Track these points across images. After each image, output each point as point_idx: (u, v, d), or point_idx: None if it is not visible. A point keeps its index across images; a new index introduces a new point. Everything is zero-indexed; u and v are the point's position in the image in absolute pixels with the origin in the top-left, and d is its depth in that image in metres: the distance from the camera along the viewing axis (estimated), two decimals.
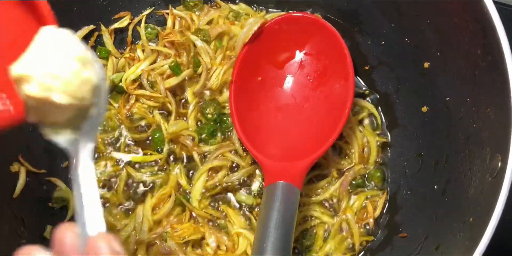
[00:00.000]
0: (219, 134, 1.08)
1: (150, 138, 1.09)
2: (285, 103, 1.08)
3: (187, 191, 1.05)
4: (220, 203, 1.05)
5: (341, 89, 1.04)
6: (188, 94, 1.09)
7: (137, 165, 1.07)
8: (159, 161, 1.06)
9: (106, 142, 1.09)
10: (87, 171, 0.59)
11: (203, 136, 1.07)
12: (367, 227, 1.04)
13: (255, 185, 1.06)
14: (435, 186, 0.96)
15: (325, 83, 1.06)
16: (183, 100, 1.10)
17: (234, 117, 1.04)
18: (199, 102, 1.09)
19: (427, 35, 0.97)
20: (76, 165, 0.59)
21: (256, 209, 1.04)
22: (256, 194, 1.05)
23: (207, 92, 1.10)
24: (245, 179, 1.06)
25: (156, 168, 1.07)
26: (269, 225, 0.88)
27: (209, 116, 1.07)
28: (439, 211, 0.93)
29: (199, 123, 1.09)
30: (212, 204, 1.05)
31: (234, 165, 1.07)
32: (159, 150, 1.07)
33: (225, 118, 1.08)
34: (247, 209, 1.05)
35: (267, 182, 0.96)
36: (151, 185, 1.06)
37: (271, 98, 1.08)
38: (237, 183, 1.05)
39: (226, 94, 1.09)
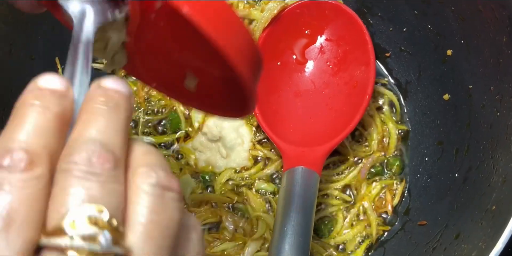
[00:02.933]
0: None
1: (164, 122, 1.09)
2: (304, 89, 1.07)
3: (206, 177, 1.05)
4: (240, 187, 1.05)
5: (362, 75, 1.03)
6: None
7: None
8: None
9: None
10: (87, 45, 0.53)
11: None
12: (385, 215, 1.04)
13: (271, 170, 1.06)
14: (456, 174, 0.95)
15: (346, 69, 1.06)
16: None
17: None
18: None
19: (450, 22, 0.96)
20: (78, 37, 0.54)
21: (276, 196, 1.04)
22: (272, 179, 1.05)
23: None
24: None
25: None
26: (290, 209, 0.88)
27: None
28: (459, 199, 0.92)
29: None
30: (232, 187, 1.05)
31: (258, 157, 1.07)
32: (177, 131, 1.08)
33: None
34: (268, 193, 1.04)
35: (286, 166, 0.96)
36: None
37: (291, 83, 1.08)
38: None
39: None
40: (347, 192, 1.05)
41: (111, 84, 0.46)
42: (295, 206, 0.88)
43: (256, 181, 1.04)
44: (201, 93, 0.64)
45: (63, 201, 0.40)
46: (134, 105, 1.06)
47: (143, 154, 0.46)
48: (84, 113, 0.44)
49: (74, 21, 0.54)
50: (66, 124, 0.45)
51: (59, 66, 1.05)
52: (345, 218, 1.03)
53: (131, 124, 1.09)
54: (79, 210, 0.40)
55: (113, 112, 0.44)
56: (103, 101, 0.44)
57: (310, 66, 1.08)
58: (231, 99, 0.63)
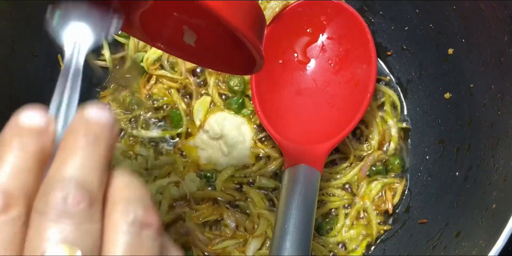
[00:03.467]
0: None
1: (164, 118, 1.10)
2: (306, 87, 1.07)
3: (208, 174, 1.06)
4: (241, 184, 1.05)
5: (363, 73, 1.03)
6: (206, 73, 1.10)
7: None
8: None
9: (125, 120, 1.09)
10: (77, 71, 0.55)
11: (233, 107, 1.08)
12: (386, 213, 1.04)
13: (272, 168, 1.06)
14: (457, 173, 0.95)
15: (347, 68, 1.06)
16: (203, 81, 1.10)
17: (255, 98, 1.03)
18: (217, 79, 1.10)
19: (452, 21, 0.97)
20: (69, 61, 0.55)
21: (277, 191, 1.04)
22: (273, 176, 1.05)
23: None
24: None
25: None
26: (291, 207, 0.88)
27: (236, 88, 1.07)
28: (460, 197, 0.92)
29: (223, 96, 1.10)
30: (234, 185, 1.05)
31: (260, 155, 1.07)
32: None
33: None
34: (270, 191, 1.05)
35: (287, 164, 0.96)
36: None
37: (292, 81, 1.08)
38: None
39: (246, 76, 1.08)
40: (348, 190, 1.06)
41: (94, 114, 0.46)
42: (296, 203, 0.89)
43: (258, 177, 1.05)
44: (202, 48, 0.65)
45: (37, 244, 0.40)
46: (133, 102, 1.07)
47: (123, 187, 0.45)
48: (62, 149, 0.44)
49: (66, 52, 0.55)
50: (44, 161, 0.44)
51: (61, 63, 1.05)
52: (345, 216, 1.04)
53: (131, 121, 1.09)
54: (53, 253, 0.40)
55: (91, 146, 0.44)
56: (83, 135, 0.44)
57: (311, 64, 1.08)
58: (239, 57, 0.65)
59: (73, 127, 0.45)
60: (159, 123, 1.09)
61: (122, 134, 1.09)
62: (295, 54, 1.08)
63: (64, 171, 0.42)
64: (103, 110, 0.46)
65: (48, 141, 0.45)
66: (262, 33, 0.60)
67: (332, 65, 1.07)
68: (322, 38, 1.08)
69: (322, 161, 0.97)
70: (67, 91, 0.52)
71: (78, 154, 0.43)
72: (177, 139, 1.08)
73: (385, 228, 1.03)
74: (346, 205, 1.04)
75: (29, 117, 0.46)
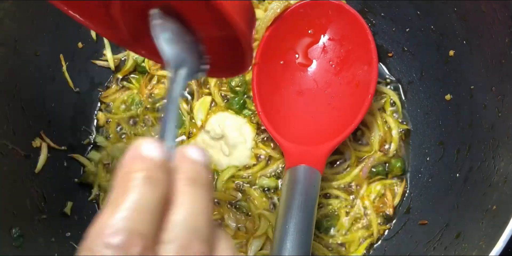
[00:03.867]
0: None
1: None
2: (307, 88, 1.08)
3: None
4: (242, 184, 1.06)
5: (364, 75, 1.04)
6: None
7: None
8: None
9: (126, 120, 1.10)
10: (177, 89, 0.58)
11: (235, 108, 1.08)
12: (386, 214, 1.04)
13: (273, 168, 1.06)
14: (457, 174, 0.96)
15: (348, 69, 1.06)
16: (204, 81, 1.11)
17: (256, 99, 1.04)
18: (219, 80, 1.10)
19: (453, 22, 0.97)
20: (172, 81, 0.58)
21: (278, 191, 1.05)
22: (275, 175, 1.06)
23: None
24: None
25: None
26: (292, 207, 0.88)
27: (237, 88, 1.08)
28: (460, 199, 0.92)
29: (224, 97, 1.10)
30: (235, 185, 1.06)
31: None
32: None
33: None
34: (272, 190, 1.05)
35: (288, 165, 0.97)
36: None
37: (293, 82, 1.08)
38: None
39: (248, 76, 1.09)
40: (348, 191, 1.06)
41: (197, 155, 0.50)
42: (297, 204, 0.89)
43: (258, 178, 1.05)
44: None
45: None
46: (138, 101, 1.08)
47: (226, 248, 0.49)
48: (179, 194, 0.47)
49: (171, 69, 0.58)
50: (166, 200, 0.47)
51: (63, 63, 1.05)
52: (346, 216, 1.04)
53: (132, 121, 1.10)
54: None
55: (203, 190, 0.48)
56: (200, 182, 0.48)
57: (313, 65, 1.09)
58: (225, 58, 0.65)
59: (182, 169, 0.49)
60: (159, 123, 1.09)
61: (123, 134, 1.09)
62: (297, 55, 1.09)
63: (188, 219, 0.46)
64: (202, 152, 0.50)
65: (170, 178, 0.48)
66: (253, 23, 0.61)
67: (333, 66, 1.08)
68: (323, 39, 1.08)
69: (323, 162, 0.97)
70: (172, 120, 0.54)
71: (196, 200, 0.48)
72: (178, 139, 1.08)
73: (385, 229, 1.03)
74: (346, 206, 1.04)
75: (150, 149, 0.48)
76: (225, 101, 1.09)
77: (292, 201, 0.89)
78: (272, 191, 1.05)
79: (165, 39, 0.60)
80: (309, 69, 1.09)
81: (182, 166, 0.49)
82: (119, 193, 0.46)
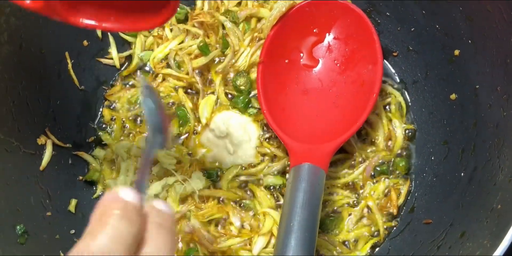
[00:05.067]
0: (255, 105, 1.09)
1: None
2: (312, 87, 1.08)
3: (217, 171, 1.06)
4: (247, 183, 1.06)
5: (369, 74, 1.04)
6: (212, 72, 1.10)
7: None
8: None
9: (131, 118, 1.10)
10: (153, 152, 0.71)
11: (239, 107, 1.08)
12: (391, 213, 1.04)
13: (278, 167, 1.06)
14: (462, 174, 0.96)
15: (353, 68, 1.06)
16: (209, 80, 1.11)
17: (261, 98, 1.04)
18: (224, 79, 1.10)
19: (458, 22, 0.97)
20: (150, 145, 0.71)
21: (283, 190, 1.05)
22: (281, 173, 1.06)
23: (231, 74, 1.10)
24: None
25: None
26: (296, 205, 0.88)
27: (242, 87, 1.08)
28: (465, 198, 0.92)
29: (229, 96, 1.10)
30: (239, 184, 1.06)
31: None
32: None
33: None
34: (277, 188, 1.05)
35: (293, 163, 0.97)
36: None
37: (298, 81, 1.08)
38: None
39: (253, 75, 1.09)
40: (352, 190, 1.06)
41: (164, 207, 0.61)
42: (301, 202, 0.89)
43: (263, 177, 1.05)
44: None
45: None
46: (139, 100, 1.08)
47: None
48: (149, 234, 0.57)
49: (151, 134, 0.71)
50: (138, 239, 0.56)
51: (69, 61, 1.05)
52: (350, 215, 1.04)
53: (137, 118, 1.10)
54: None
55: (168, 233, 0.58)
56: (166, 227, 0.59)
57: (317, 64, 1.09)
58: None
59: (154, 217, 0.59)
60: None
61: (126, 131, 1.10)
62: (301, 54, 1.09)
63: (155, 253, 0.56)
64: (168, 205, 0.62)
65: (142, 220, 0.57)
66: None
67: (338, 65, 1.08)
68: (329, 38, 1.09)
69: (328, 160, 0.97)
70: (145, 175, 0.65)
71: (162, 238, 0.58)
72: (183, 136, 1.08)
73: (390, 228, 1.03)
74: (350, 204, 1.04)
75: (128, 194, 0.57)
76: (230, 99, 1.09)
77: (296, 199, 0.89)
78: (278, 188, 1.05)
79: (151, 109, 0.72)
80: (314, 68, 1.09)
81: (152, 213, 0.59)
82: (97, 225, 0.54)
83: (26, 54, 0.97)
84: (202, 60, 1.07)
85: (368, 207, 1.04)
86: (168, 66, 1.11)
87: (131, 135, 1.09)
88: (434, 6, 1.01)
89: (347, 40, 1.08)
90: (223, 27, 1.09)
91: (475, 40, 0.95)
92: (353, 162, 1.07)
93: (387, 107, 1.10)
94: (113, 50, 1.12)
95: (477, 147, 0.95)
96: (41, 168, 0.99)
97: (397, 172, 1.06)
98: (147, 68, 1.13)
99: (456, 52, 0.99)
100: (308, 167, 0.94)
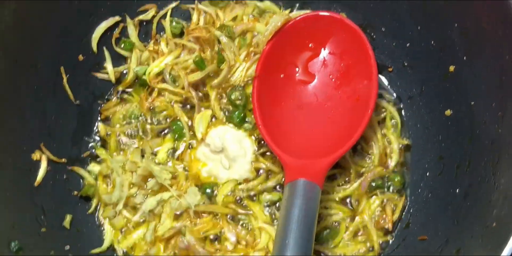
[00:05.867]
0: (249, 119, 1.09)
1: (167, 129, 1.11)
2: (307, 102, 1.08)
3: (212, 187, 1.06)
4: (243, 198, 1.06)
5: (364, 89, 1.04)
6: (208, 87, 1.10)
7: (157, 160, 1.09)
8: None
9: (126, 133, 1.10)
10: None
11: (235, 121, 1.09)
12: (386, 227, 1.04)
13: (273, 182, 1.06)
14: (457, 190, 0.96)
15: (348, 83, 1.06)
16: (204, 94, 1.11)
17: (256, 112, 1.04)
18: (219, 93, 1.10)
19: (453, 38, 0.98)
20: None
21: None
22: (278, 189, 1.06)
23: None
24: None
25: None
26: (291, 222, 0.88)
27: (237, 102, 1.08)
28: (460, 214, 0.93)
29: (226, 112, 1.10)
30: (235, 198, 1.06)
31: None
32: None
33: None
34: (273, 204, 1.05)
35: (288, 179, 0.97)
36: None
37: (293, 95, 1.08)
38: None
39: (248, 90, 1.09)
40: (347, 205, 1.06)
41: None
42: (297, 218, 0.88)
43: (260, 194, 1.05)
44: None
45: None
46: (137, 114, 1.08)
47: None
48: None
49: None
50: None
51: (64, 75, 1.05)
52: (345, 230, 1.04)
53: (133, 132, 1.10)
54: None
55: None
56: None
57: (313, 79, 1.09)
58: None
59: None
60: (161, 135, 1.10)
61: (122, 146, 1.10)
62: (297, 69, 1.09)
63: None
64: None
65: None
66: None
67: (333, 80, 1.08)
68: (324, 53, 1.09)
69: (323, 176, 0.97)
70: None
71: None
72: (178, 151, 1.08)
73: (385, 243, 1.03)
74: (346, 219, 1.04)
75: None
76: (226, 114, 1.09)
77: (291, 216, 0.89)
78: (274, 203, 1.05)
79: None
80: (309, 83, 1.09)
81: None
82: None
83: (22, 69, 0.97)
84: (198, 75, 1.08)
85: (363, 222, 1.04)
86: (164, 80, 1.11)
87: (126, 149, 1.09)
88: (429, 21, 1.02)
89: (342, 55, 1.08)
90: (219, 42, 1.10)
91: (470, 56, 0.96)
92: (347, 179, 1.07)
93: (382, 122, 1.11)
94: (108, 64, 1.12)
95: (473, 164, 0.95)
96: (35, 183, 0.99)
97: (393, 187, 1.06)
98: (142, 83, 1.12)
99: (451, 68, 1.00)
100: (304, 183, 0.94)
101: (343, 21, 1.06)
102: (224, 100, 1.10)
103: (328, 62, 1.09)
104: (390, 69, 1.12)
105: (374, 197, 1.06)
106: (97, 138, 1.11)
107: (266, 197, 1.05)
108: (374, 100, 1.02)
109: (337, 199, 1.06)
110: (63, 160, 1.05)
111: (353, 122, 1.02)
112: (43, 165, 1.00)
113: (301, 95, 1.08)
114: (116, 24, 1.12)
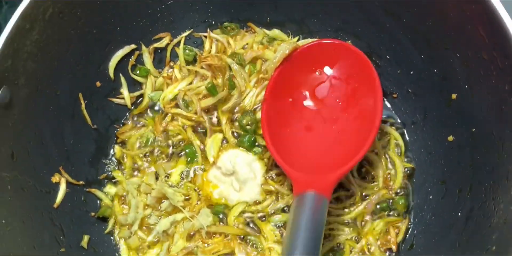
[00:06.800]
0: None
1: (182, 153, 1.14)
2: (314, 124, 1.11)
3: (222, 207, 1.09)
4: (253, 219, 1.09)
5: (370, 109, 1.06)
6: (219, 112, 1.14)
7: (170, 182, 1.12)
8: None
9: (141, 156, 1.14)
10: None
11: (245, 145, 1.12)
12: (390, 250, 1.07)
13: (283, 204, 1.09)
14: (459, 213, 0.98)
15: (354, 105, 1.09)
16: (214, 119, 1.15)
17: (266, 134, 1.07)
18: (230, 118, 1.14)
19: (455, 67, 1.00)
20: None
21: None
22: (286, 210, 1.09)
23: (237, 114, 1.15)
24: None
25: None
26: (299, 233, 0.89)
27: (248, 126, 1.12)
28: (462, 238, 0.95)
29: (237, 136, 1.14)
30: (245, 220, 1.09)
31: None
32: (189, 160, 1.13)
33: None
34: (282, 225, 1.08)
35: (296, 191, 0.98)
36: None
37: (301, 118, 1.11)
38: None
39: (258, 115, 1.13)
40: (353, 227, 1.08)
41: None
42: (304, 227, 0.90)
43: (269, 215, 1.08)
44: None
45: None
46: (152, 138, 1.11)
47: None
48: None
49: None
50: None
51: (82, 101, 1.09)
52: (350, 252, 1.06)
53: (147, 155, 1.14)
54: None
55: None
56: None
57: (320, 102, 1.12)
58: None
59: None
60: (175, 158, 1.14)
61: (137, 169, 1.14)
62: (304, 93, 1.12)
63: None
64: None
65: None
66: None
67: (340, 103, 1.11)
68: (331, 78, 1.12)
69: (331, 189, 0.98)
70: None
71: None
72: (191, 174, 1.12)
73: None
74: (352, 240, 1.07)
75: None
76: (236, 138, 1.13)
77: (298, 229, 0.90)
78: (283, 224, 1.08)
79: None
80: (316, 106, 1.12)
81: None
82: None
83: (42, 96, 1.01)
84: (210, 101, 1.12)
85: (368, 244, 1.07)
86: (177, 105, 1.15)
87: (141, 172, 1.13)
88: (432, 51, 1.04)
89: (348, 79, 1.11)
90: (230, 69, 1.14)
91: (472, 85, 0.98)
92: (354, 200, 1.09)
93: (386, 146, 1.14)
94: (124, 90, 1.17)
95: (474, 188, 0.98)
96: (55, 205, 1.02)
97: (397, 209, 1.09)
98: (156, 108, 1.17)
99: (453, 96, 1.02)
100: (312, 195, 0.95)
101: (347, 47, 1.10)
102: (236, 124, 1.14)
103: (335, 86, 1.12)
104: (394, 96, 1.16)
105: (379, 219, 1.09)
106: (114, 159, 1.15)
107: (276, 218, 1.08)
108: (379, 118, 1.03)
109: (342, 221, 1.08)
110: (81, 182, 1.09)
111: (359, 139, 1.04)
112: (62, 188, 1.04)
113: (308, 118, 1.12)
114: (132, 51, 1.16)
